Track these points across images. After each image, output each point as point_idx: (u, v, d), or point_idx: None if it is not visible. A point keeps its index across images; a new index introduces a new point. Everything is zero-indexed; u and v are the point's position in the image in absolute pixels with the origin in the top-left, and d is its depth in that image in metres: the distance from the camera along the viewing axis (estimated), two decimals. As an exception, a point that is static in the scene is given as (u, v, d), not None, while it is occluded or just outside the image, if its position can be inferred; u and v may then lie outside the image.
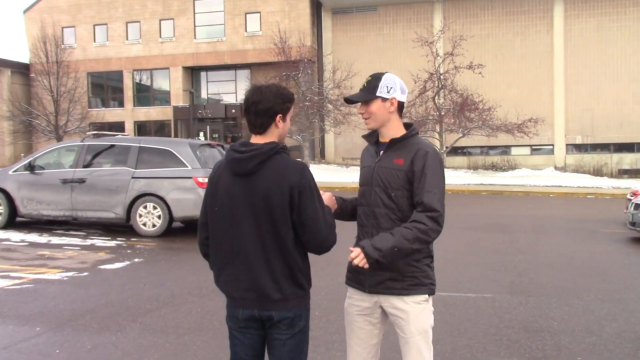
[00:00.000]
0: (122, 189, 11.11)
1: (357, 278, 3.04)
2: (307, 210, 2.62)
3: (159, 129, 41.14)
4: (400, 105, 3.02)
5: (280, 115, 2.71)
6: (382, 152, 3.02)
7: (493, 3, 36.57)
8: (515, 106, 32.62)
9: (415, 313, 2.94)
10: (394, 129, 3.02)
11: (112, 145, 11.70)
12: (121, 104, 42.07)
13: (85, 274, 7.92)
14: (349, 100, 3.07)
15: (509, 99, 33.64)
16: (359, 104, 3.03)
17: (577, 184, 26.03)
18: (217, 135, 38.94)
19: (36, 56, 37.89)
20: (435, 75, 30.90)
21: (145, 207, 11.08)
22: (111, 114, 41.72)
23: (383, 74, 3.03)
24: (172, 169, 11.08)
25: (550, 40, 36.07)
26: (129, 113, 41.59)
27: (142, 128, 41.86)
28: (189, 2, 39.96)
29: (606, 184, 25.94)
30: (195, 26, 40.11)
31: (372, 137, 3.11)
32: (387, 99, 2.97)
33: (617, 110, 35.08)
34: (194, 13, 40.05)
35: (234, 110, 38.30)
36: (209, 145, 12.01)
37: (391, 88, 2.98)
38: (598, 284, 7.75)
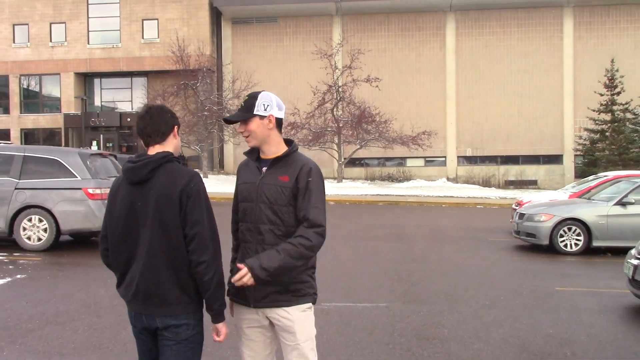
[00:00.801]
0: (4, 200, 10.42)
1: (240, 294, 3.04)
2: (194, 212, 2.73)
3: (49, 137, 39.17)
4: (279, 122, 3.09)
5: (176, 126, 2.92)
6: (264, 168, 3.05)
7: (389, 19, 37.68)
8: (410, 119, 33.71)
9: (301, 321, 3.02)
10: (275, 145, 3.08)
11: (-6, 154, 10.98)
12: (7, 111, 39.72)
13: (-40, 292, 7.35)
14: (228, 121, 3.14)
15: (405, 112, 34.71)
16: (239, 123, 3.08)
17: (467, 194, 27.20)
18: (111, 145, 37.59)
19: None
20: (334, 88, 31.42)
21: (29, 220, 10.44)
22: (-5, 121, 39.31)
23: (259, 93, 3.11)
24: (60, 179, 10.52)
25: (443, 56, 37.58)
26: (15, 120, 39.34)
27: (29, 136, 39.70)
28: (82, 5, 38.43)
29: (494, 195, 27.28)
30: (88, 31, 38.58)
31: (253, 153, 3.14)
32: (265, 116, 3.03)
33: (504, 124, 37.01)
34: (88, 17, 38.53)
35: (129, 119, 37.07)
36: (101, 155, 11.52)
37: (268, 105, 3.05)
38: (486, 291, 8.07)
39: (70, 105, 37.92)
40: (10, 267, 9.06)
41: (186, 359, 2.81)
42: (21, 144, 38.37)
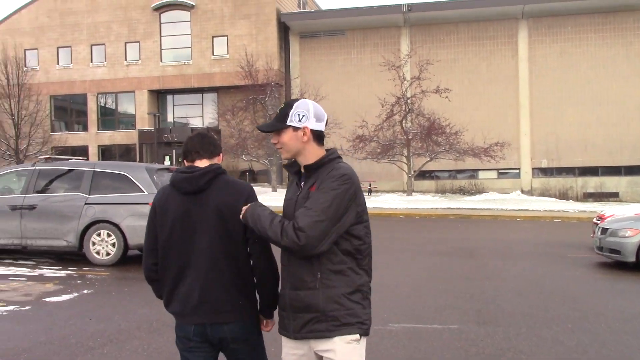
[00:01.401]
0: (75, 215, 10.58)
1: (282, 323, 2.76)
2: None
3: (125, 153, 40.42)
4: (317, 134, 2.76)
5: (221, 154, 3.02)
6: (302, 183, 2.77)
7: (459, 28, 36.95)
8: (482, 130, 32.80)
9: (344, 354, 2.63)
10: (313, 159, 2.75)
11: (65, 170, 11.19)
12: (85, 128, 41.27)
13: (28, 307, 7.38)
14: (261, 129, 2.88)
15: (476, 123, 33.83)
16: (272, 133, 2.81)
17: (543, 207, 26.09)
18: (182, 159, 38.33)
19: (-4, 79, 37.02)
20: (402, 99, 30.97)
21: (99, 235, 10.56)
22: (74, 138, 40.89)
23: (296, 100, 2.79)
24: (127, 194, 10.60)
25: (515, 65, 36.53)
26: (93, 137, 40.82)
27: (106, 152, 41.08)
28: (155, 25, 39.61)
29: (572, 208, 26.07)
30: (161, 49, 39.72)
31: (293, 167, 2.84)
32: (299, 128, 2.71)
33: (581, 133, 35.51)
34: (160, 36, 39.68)
35: (200, 134, 37.74)
36: (167, 169, 11.55)
37: (303, 116, 2.72)
38: (567, 312, 7.49)
39: (144, 122, 39.02)
40: (79, 282, 9.12)
41: None
42: (98, 159, 39.77)
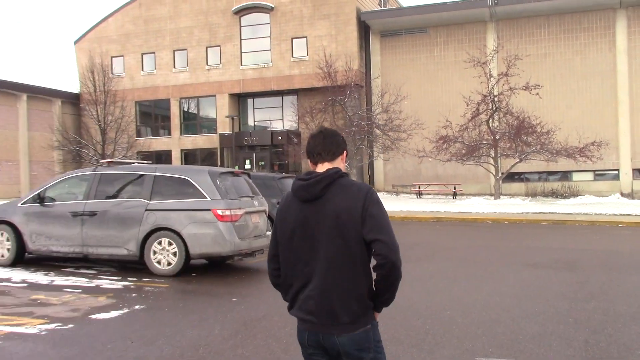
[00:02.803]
0: (135, 222, 10.00)
1: None
2: (376, 217, 2.75)
3: (207, 157, 40.63)
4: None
5: (345, 151, 2.98)
6: None
7: (549, 21, 34.74)
8: (576, 129, 30.55)
9: None
10: None
11: (126, 174, 10.65)
12: (168, 132, 41.81)
13: (70, 326, 6.73)
14: None
15: (569, 121, 31.61)
16: None
17: (648, 211, 23.77)
18: (262, 163, 38.14)
19: (85, 86, 38.04)
20: (489, 97, 29.24)
21: (159, 243, 9.93)
22: (158, 143, 41.48)
23: None
24: (189, 200, 9.92)
25: (613, 58, 33.93)
26: (176, 141, 41.27)
27: (189, 156, 41.45)
28: (235, 28, 39.57)
29: (681, 212, 23.58)
30: (241, 52, 39.62)
31: None
32: None
33: (689, 131, 32.54)
34: (240, 39, 39.60)
35: (280, 137, 37.40)
36: (232, 173, 10.81)
37: None
38: (699, 345, 6.10)
39: (225, 126, 39.01)
40: (134, 295, 8.47)
41: None
42: (181, 164, 40.16)
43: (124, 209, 10.16)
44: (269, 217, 14.21)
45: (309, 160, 2.99)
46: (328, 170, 2.85)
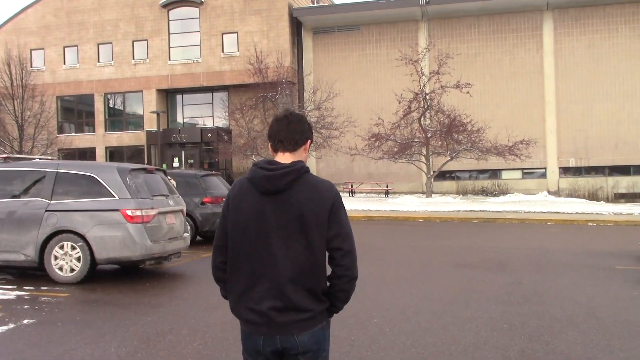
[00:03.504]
0: (34, 224, 8.98)
1: None
2: (343, 222, 2.64)
3: (134, 154, 39.03)
4: None
5: (309, 141, 2.78)
6: None
7: (480, 22, 35.03)
8: (506, 127, 30.80)
9: None
10: None
11: (25, 171, 9.58)
12: (92, 129, 39.97)
13: (-62, 347, 5.76)
14: None
15: (499, 120, 31.88)
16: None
17: (574, 209, 24.13)
18: (192, 161, 36.92)
19: (1, 79, 35.85)
20: (420, 95, 29.09)
21: (61, 247, 8.94)
22: (81, 140, 39.61)
23: None
24: (95, 199, 8.98)
25: (540, 59, 34.51)
26: (100, 138, 39.49)
27: (115, 154, 39.73)
28: (164, 22, 38.15)
29: (605, 210, 24.04)
30: (169, 47, 38.26)
31: None
32: None
33: (611, 131, 33.42)
34: (169, 33, 38.23)
35: (210, 135, 36.30)
36: (144, 170, 9.88)
37: None
38: (638, 351, 5.71)
39: (152, 123, 37.48)
40: (26, 307, 7.49)
41: None
42: (107, 161, 38.47)
43: (21, 209, 9.11)
44: (191, 217, 13.39)
45: (269, 146, 2.77)
46: (294, 163, 2.64)
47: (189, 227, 13.31)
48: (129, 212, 8.80)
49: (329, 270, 2.71)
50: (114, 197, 8.93)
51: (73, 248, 8.90)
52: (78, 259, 8.90)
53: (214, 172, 17.28)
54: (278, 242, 2.59)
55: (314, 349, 2.63)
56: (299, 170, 2.63)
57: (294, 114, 2.80)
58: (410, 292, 8.46)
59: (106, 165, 9.83)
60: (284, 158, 2.70)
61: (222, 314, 7.08)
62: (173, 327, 6.52)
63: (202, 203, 13.73)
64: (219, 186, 14.59)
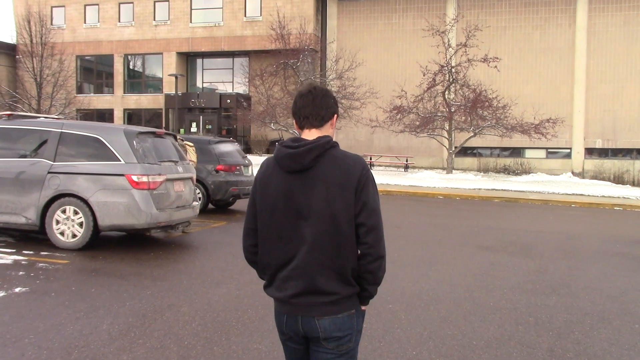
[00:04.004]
0: (36, 186, 8.56)
1: None
2: (370, 201, 2.49)
3: (153, 118, 38.75)
4: None
5: (336, 115, 2.68)
6: None
7: (511, -7, 33.86)
8: (532, 105, 29.95)
9: None
10: None
11: (28, 130, 9.13)
12: (111, 90, 39.62)
13: None
14: None
15: (526, 97, 30.99)
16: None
17: (599, 192, 23.31)
18: (210, 127, 36.48)
19: (20, 36, 35.49)
20: (446, 68, 28.22)
21: (64, 212, 8.52)
22: (99, 101, 39.33)
23: None
24: (100, 162, 8.52)
25: (572, 35, 33.36)
26: (119, 100, 39.18)
27: (133, 116, 39.47)
28: (186, -18, 37.43)
29: (632, 194, 23.21)
30: (191, 9, 37.63)
31: None
32: None
33: (642, 112, 32.36)
34: (191, -6, 37.51)
35: (229, 101, 35.79)
36: (153, 134, 9.37)
37: None
38: (680, 357, 5.17)
39: (171, 86, 36.98)
40: (21, 273, 7.10)
41: None
42: (124, 124, 38.15)
43: (23, 170, 8.68)
44: (203, 185, 12.95)
45: (294, 122, 2.66)
46: (319, 138, 2.53)
47: (199, 196, 12.94)
48: (134, 178, 8.34)
49: None
50: (120, 161, 8.46)
51: (75, 213, 8.48)
52: (80, 225, 8.48)
53: (229, 138, 16.75)
54: (305, 222, 2.50)
55: (337, 336, 2.51)
56: (324, 145, 2.50)
57: (318, 88, 2.65)
58: (427, 275, 7.95)
59: (113, 127, 9.32)
60: (310, 135, 2.59)
61: (225, 291, 6.63)
62: (172, 303, 6.08)
63: (215, 170, 13.25)
64: (233, 154, 14.09)
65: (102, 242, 9.24)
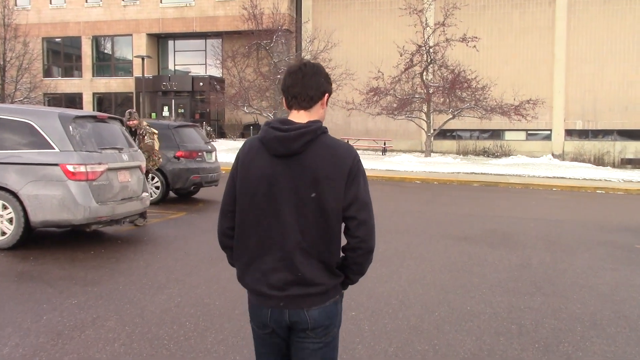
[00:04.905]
0: (-41, 178, 7.60)
1: None
2: (361, 190, 2.38)
3: (124, 101, 37.46)
4: None
5: (327, 94, 2.52)
6: None
7: (490, -29, 33.00)
8: (512, 85, 29.25)
9: None
10: None
11: (-50, 115, 8.14)
12: (80, 74, 38.23)
13: None
14: None
15: (505, 78, 30.29)
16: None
17: (580, 174, 22.74)
18: (182, 111, 35.36)
19: (-18, 17, 33.93)
20: (424, 48, 27.40)
21: (-9, 206, 7.58)
22: (67, 84, 37.97)
23: None
24: (31, 150, 7.57)
25: (552, 15, 32.66)
26: (87, 83, 37.84)
27: (103, 100, 38.21)
28: (156, -40, 36.03)
29: (613, 176, 22.68)
30: (161, -12, 36.22)
31: None
32: None
33: (622, 92, 31.89)
34: (161, -27, 36.13)
35: (201, 84, 34.68)
36: (94, 118, 8.40)
37: None
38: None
39: (142, 69, 35.77)
40: None
41: None
42: (93, 109, 36.89)
43: (-56, 160, 7.71)
44: (162, 172, 12.05)
45: (283, 101, 2.52)
46: (310, 123, 2.37)
47: (157, 185, 12.03)
48: (70, 168, 7.41)
49: (344, 241, 2.45)
50: (54, 149, 7.52)
51: (4, 207, 7.55)
52: (10, 221, 7.55)
53: (190, 123, 15.79)
54: (290, 209, 2.37)
55: (325, 324, 2.43)
56: (315, 131, 2.38)
57: (309, 64, 2.49)
58: (399, 272, 7.15)
59: (46, 110, 8.31)
60: (299, 116, 2.46)
61: (165, 298, 5.77)
62: (99, 315, 5.21)
63: (175, 157, 12.32)
64: (196, 139, 13.16)
65: (39, 239, 8.33)
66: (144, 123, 10.60)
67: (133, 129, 10.24)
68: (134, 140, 9.86)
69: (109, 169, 7.90)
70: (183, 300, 5.75)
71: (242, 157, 2.48)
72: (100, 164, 7.73)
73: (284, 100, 2.50)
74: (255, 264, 2.42)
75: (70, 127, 7.68)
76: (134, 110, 10.61)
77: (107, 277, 6.56)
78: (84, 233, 8.66)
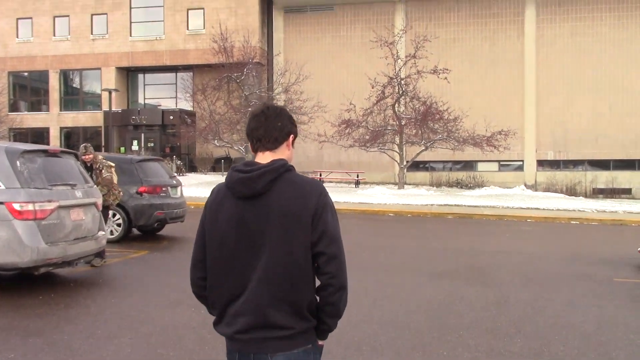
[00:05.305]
0: None
1: None
2: (328, 224, 2.32)
3: (92, 136, 36.75)
4: None
5: (292, 136, 2.50)
6: None
7: (459, 5, 33.43)
8: (484, 117, 29.24)
9: None
10: None
11: None
12: (47, 108, 37.53)
13: None
14: None
15: (477, 109, 30.32)
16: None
17: (553, 205, 22.59)
18: (152, 145, 34.78)
19: (-55, 51, 33.28)
20: (395, 80, 27.33)
21: None
22: (34, 119, 37.24)
23: None
24: (-26, 188, 7.04)
25: (521, 47, 33.08)
26: (55, 118, 37.14)
27: (71, 135, 37.50)
28: (125, -5, 35.80)
29: (587, 206, 22.58)
30: (131, 22, 36.04)
31: None
32: None
33: (592, 123, 32.20)
34: (130, 7, 36.00)
35: (172, 117, 34.20)
36: (44, 152, 7.90)
37: None
38: None
39: (111, 103, 35.21)
40: None
41: None
42: (60, 144, 36.13)
43: None
44: (123, 209, 11.53)
45: (249, 146, 2.48)
46: (273, 161, 2.35)
47: (118, 222, 11.51)
48: (16, 206, 6.89)
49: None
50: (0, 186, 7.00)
51: (-56, 250, 6.98)
52: (-50, 265, 6.98)
53: (154, 157, 15.30)
54: (258, 252, 2.30)
55: None
56: (278, 169, 2.33)
57: (272, 107, 2.48)
58: (370, 314, 6.71)
59: (-7, 145, 7.81)
60: (264, 158, 2.41)
61: (114, 350, 5.24)
62: (36, 372, 4.67)
63: (138, 193, 11.80)
64: (160, 173, 12.66)
65: (-15, 283, 7.73)
66: (100, 157, 10.13)
67: (89, 164, 9.75)
68: (91, 175, 9.34)
69: (60, 207, 7.38)
70: (134, 351, 5.23)
71: (210, 203, 2.46)
72: (50, 201, 7.21)
73: (250, 145, 2.48)
74: (228, 309, 2.38)
75: (18, 162, 7.18)
76: (89, 144, 10.11)
77: (51, 325, 6.00)
78: (33, 276, 8.07)
